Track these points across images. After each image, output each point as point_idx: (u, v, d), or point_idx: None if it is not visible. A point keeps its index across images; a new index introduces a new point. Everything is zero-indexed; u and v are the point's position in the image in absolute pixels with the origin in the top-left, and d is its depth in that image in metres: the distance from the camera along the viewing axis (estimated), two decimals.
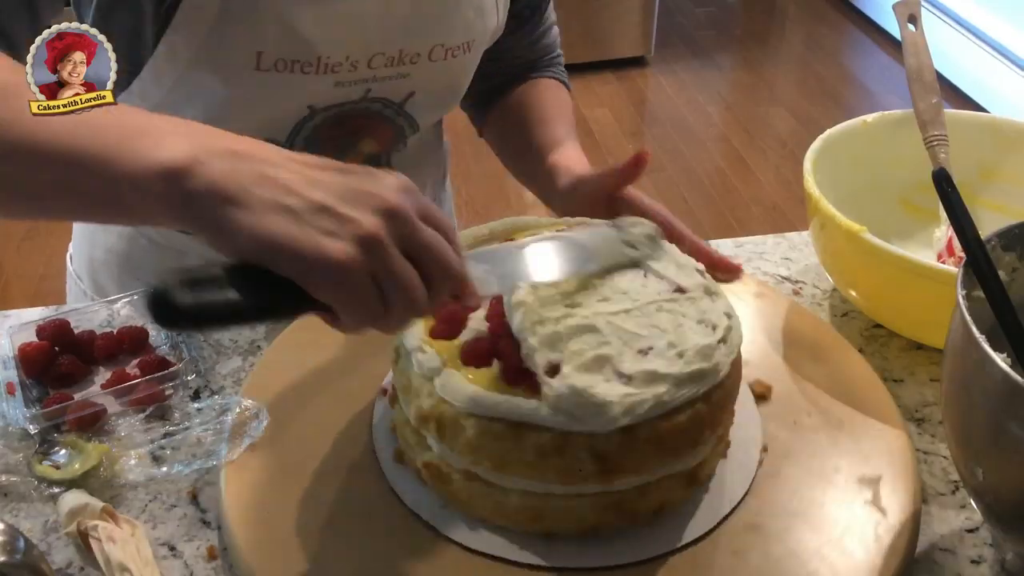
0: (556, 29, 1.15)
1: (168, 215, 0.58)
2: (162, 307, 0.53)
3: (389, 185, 0.59)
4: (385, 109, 0.96)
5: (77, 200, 0.64)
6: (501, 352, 0.68)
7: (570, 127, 1.08)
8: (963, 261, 0.66)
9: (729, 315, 0.71)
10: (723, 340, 0.68)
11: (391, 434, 0.75)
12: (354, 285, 0.56)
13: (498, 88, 1.12)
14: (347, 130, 0.96)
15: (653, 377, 0.64)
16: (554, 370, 0.64)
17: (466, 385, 0.66)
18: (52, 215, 0.73)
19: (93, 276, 1.09)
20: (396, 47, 0.91)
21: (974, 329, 0.59)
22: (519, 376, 0.66)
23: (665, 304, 0.70)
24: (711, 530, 0.69)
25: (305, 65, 0.87)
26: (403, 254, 0.58)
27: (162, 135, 0.59)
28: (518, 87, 1.12)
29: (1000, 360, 0.57)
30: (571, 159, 1.01)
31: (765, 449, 0.75)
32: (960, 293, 0.62)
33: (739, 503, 0.71)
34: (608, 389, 0.63)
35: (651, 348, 0.66)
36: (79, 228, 1.13)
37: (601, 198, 0.91)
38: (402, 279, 0.58)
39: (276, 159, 0.59)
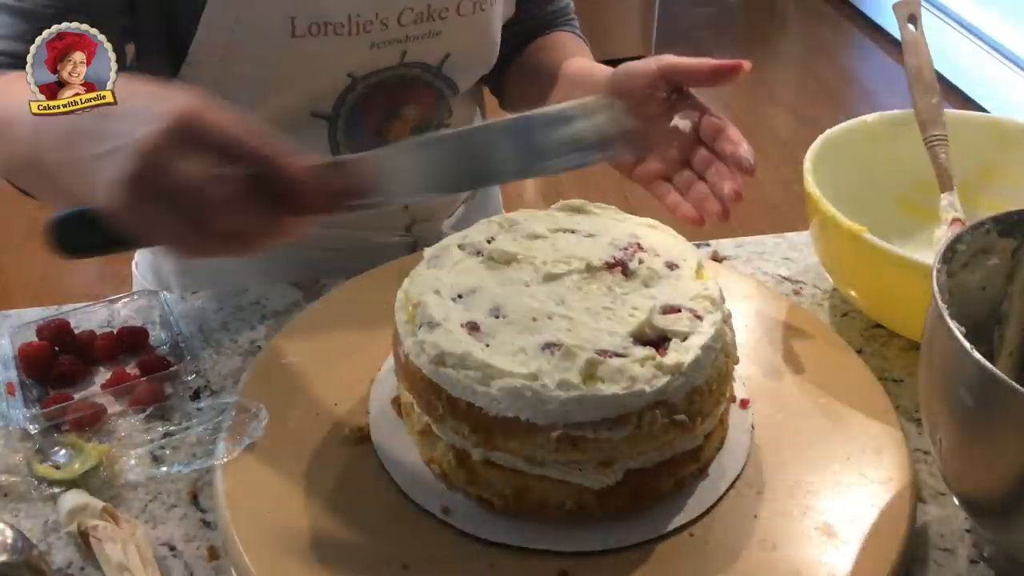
0: None
1: None
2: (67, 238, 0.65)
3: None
4: (424, 74, 0.98)
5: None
6: None
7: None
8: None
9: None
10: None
11: (388, 432, 0.76)
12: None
13: (514, 48, 1.09)
14: (388, 97, 0.98)
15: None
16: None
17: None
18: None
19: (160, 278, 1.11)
20: (424, 1, 0.91)
21: (940, 302, 0.61)
22: None
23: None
24: (695, 522, 0.69)
25: (338, 27, 0.89)
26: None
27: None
28: (533, 43, 1.10)
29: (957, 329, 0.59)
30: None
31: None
32: (936, 267, 0.64)
33: (733, 500, 0.71)
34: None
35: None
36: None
37: (662, 84, 0.85)
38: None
39: None
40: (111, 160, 0.59)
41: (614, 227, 0.80)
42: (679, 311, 0.71)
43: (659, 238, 0.80)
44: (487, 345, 0.67)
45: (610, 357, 0.66)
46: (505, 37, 1.06)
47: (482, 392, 0.65)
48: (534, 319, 0.69)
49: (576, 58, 1.01)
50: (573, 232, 0.79)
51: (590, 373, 0.65)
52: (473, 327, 0.69)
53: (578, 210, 0.83)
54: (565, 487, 0.68)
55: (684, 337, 0.68)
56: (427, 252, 0.78)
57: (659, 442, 0.67)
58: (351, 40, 0.90)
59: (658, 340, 0.69)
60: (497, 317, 0.70)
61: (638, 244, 0.78)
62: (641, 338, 0.68)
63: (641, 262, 0.75)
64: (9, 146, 0.74)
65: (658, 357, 0.66)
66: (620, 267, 0.75)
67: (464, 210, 1.15)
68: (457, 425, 0.67)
